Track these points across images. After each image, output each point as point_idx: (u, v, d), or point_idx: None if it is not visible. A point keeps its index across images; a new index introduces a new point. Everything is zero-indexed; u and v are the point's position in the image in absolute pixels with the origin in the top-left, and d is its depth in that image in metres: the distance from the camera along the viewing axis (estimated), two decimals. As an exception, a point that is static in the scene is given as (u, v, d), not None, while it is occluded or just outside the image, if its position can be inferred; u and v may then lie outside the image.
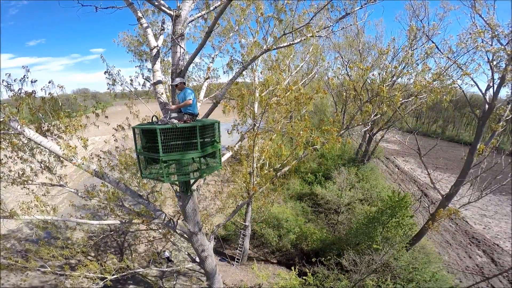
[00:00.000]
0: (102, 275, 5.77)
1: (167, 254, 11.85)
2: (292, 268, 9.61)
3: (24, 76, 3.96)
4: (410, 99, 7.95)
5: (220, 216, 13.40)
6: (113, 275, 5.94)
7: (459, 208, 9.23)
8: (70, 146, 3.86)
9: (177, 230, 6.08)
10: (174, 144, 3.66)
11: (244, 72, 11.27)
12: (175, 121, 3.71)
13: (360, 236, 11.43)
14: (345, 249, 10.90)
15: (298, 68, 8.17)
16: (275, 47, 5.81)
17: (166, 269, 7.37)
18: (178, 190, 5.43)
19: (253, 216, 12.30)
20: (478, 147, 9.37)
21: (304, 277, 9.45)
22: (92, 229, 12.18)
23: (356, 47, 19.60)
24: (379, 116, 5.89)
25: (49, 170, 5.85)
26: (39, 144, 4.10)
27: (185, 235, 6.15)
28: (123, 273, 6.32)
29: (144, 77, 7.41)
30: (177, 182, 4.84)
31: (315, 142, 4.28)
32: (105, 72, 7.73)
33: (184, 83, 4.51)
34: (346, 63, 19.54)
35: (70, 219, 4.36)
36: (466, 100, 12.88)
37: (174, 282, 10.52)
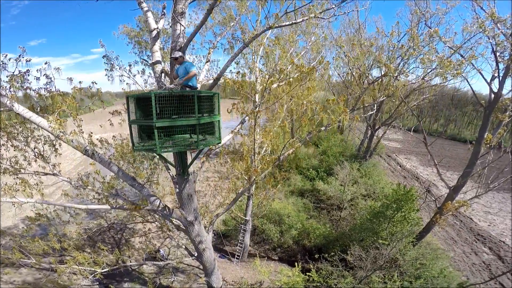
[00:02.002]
0: (92, 269, 5.39)
1: (162, 252, 11.56)
2: (296, 264, 9.23)
3: (19, 56, 3.84)
4: (418, 81, 7.68)
5: (221, 211, 13.05)
6: (104, 268, 5.55)
7: (468, 200, 8.88)
8: (59, 120, 3.58)
9: (173, 221, 5.75)
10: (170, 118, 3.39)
11: (246, 68, 11.01)
12: (172, 86, 3.44)
13: (364, 231, 11.07)
14: (349, 245, 10.53)
15: (299, 56, 7.90)
16: (277, 25, 5.57)
17: (159, 263, 6.99)
18: (175, 176, 5.11)
19: (253, 211, 11.95)
20: (485, 136, 9.09)
21: (308, 273, 9.07)
22: (87, 224, 11.83)
23: (357, 42, 19.36)
24: (385, 98, 5.59)
25: (42, 158, 5.56)
26: (28, 119, 3.92)
27: (182, 226, 5.82)
28: (115, 267, 5.94)
29: (143, 58, 7.16)
30: (173, 162, 4.52)
31: (321, 119, 3.96)
32: (103, 57, 7.45)
33: (184, 57, 4.33)
34: (347, 58, 19.29)
35: (55, 203, 4.03)
36: (470, 90, 12.67)
37: (173, 279, 10.15)
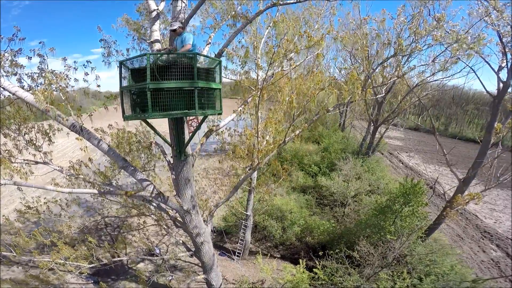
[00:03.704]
0: (79, 263, 4.95)
1: (158, 250, 11.18)
2: (300, 261, 8.81)
3: (13, 35, 3.60)
4: (426, 64, 7.36)
5: (221, 209, 12.62)
6: (92, 263, 5.11)
7: (480, 192, 8.47)
8: (45, 91, 3.23)
9: (169, 213, 5.37)
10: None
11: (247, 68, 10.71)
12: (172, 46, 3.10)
13: (370, 227, 10.66)
14: (354, 241, 10.11)
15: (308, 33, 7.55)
16: (281, 2, 5.26)
17: (154, 258, 6.56)
18: (171, 161, 4.72)
19: (255, 206, 11.53)
20: (495, 126, 8.78)
21: (314, 270, 8.65)
22: (81, 219, 11.42)
23: (359, 38, 19.02)
24: (396, 79, 5.25)
25: (34, 145, 5.20)
26: (14, 94, 3.64)
27: (179, 218, 5.42)
28: (105, 263, 5.50)
29: (142, 38, 6.82)
30: (169, 141, 4.12)
31: (330, 99, 3.58)
32: (101, 40, 7.14)
33: (183, 28, 3.96)
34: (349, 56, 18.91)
35: (36, 185, 3.63)
36: (471, 89, 12.33)
37: (170, 278, 9.71)
